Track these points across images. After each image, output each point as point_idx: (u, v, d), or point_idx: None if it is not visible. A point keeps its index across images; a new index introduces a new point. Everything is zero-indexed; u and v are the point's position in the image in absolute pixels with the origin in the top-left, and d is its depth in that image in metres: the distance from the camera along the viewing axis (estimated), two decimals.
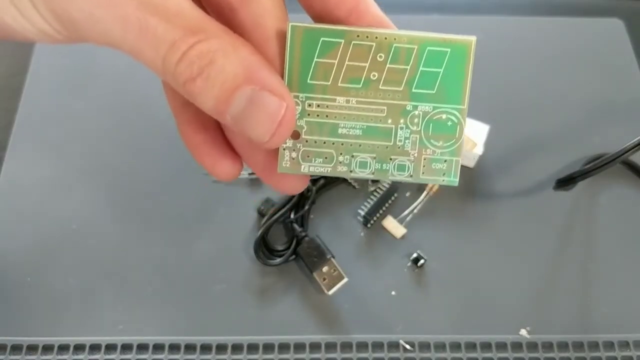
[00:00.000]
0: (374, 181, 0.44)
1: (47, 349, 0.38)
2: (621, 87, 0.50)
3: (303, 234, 0.41)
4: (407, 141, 0.19)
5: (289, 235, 0.42)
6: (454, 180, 0.20)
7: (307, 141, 0.19)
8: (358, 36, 0.19)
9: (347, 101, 0.19)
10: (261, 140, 0.18)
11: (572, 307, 0.40)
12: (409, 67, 0.19)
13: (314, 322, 0.39)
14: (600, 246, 0.43)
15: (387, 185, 0.43)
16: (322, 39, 0.19)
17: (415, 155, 0.20)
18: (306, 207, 0.42)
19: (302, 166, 0.19)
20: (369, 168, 0.20)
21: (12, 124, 0.47)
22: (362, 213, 0.43)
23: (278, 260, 0.40)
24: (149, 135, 0.46)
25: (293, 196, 0.42)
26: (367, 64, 0.19)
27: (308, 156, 0.19)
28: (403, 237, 0.42)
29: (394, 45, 0.19)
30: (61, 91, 0.48)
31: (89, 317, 0.39)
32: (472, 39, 0.19)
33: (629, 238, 0.43)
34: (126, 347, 0.38)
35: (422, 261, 0.41)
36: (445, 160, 0.20)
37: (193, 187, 0.44)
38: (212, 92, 0.17)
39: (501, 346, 0.39)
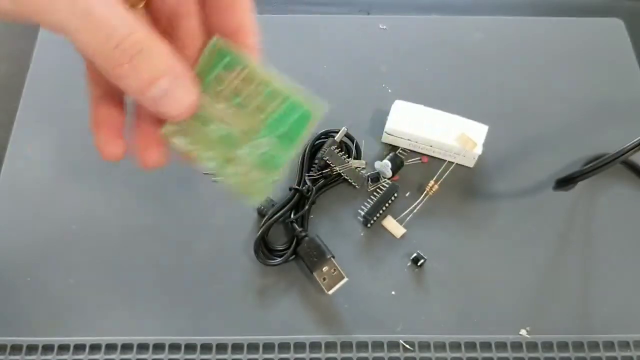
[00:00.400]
0: (374, 181, 0.44)
1: (47, 349, 0.38)
2: (621, 87, 0.50)
3: (303, 234, 0.41)
4: (245, 158, 0.24)
5: (289, 235, 0.42)
6: (260, 200, 0.26)
7: (182, 123, 0.24)
8: (255, 68, 0.24)
9: (222, 108, 0.24)
10: (171, 116, 0.24)
11: (572, 307, 0.40)
12: (273, 108, 0.24)
13: (314, 322, 0.39)
14: (600, 246, 0.43)
15: (387, 185, 0.43)
16: (228, 57, 0.24)
17: (244, 171, 0.25)
18: (306, 207, 0.42)
19: (175, 137, 0.25)
20: (213, 163, 0.25)
21: (12, 124, 0.47)
22: (362, 213, 0.43)
23: (278, 260, 0.40)
24: None
25: (294, 196, 0.42)
26: (249, 88, 0.24)
27: (177, 133, 0.25)
28: (403, 237, 0.43)
29: (270, 88, 0.24)
30: (61, 91, 0.48)
31: (89, 317, 0.39)
32: (321, 108, 0.25)
33: (629, 238, 0.43)
34: (126, 347, 0.38)
35: (422, 261, 0.41)
36: (262, 186, 0.25)
37: (193, 187, 0.44)
38: (138, 76, 0.22)
39: (501, 346, 0.39)
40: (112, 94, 0.27)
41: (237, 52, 0.24)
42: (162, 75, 0.22)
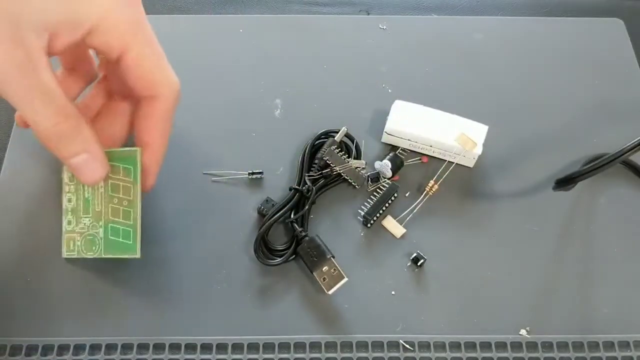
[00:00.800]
0: (374, 181, 0.44)
1: (47, 349, 0.38)
2: (621, 87, 0.50)
3: (303, 233, 0.41)
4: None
5: (289, 235, 0.42)
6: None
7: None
8: (132, 185, 0.37)
9: (104, 191, 0.38)
10: (84, 181, 0.35)
11: (572, 307, 0.40)
12: (119, 218, 0.39)
13: (314, 322, 0.39)
14: (600, 246, 0.43)
15: (387, 185, 0.43)
16: (130, 166, 0.37)
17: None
18: (306, 207, 0.42)
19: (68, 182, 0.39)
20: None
21: (12, 124, 0.47)
22: (362, 213, 0.43)
23: (278, 260, 0.40)
24: None
25: (294, 196, 0.42)
26: (119, 192, 0.38)
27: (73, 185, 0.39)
28: (403, 237, 0.43)
29: (126, 207, 0.39)
30: None
31: (89, 317, 0.39)
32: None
33: (629, 238, 0.43)
34: (126, 347, 0.38)
35: (422, 261, 0.41)
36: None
37: (193, 187, 0.44)
38: (60, 151, 0.32)
39: (501, 346, 0.39)
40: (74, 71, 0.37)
41: (139, 168, 0.36)
42: (75, 154, 0.32)
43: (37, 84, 0.28)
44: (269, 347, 0.38)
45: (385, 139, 0.46)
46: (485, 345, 0.39)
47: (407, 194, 0.44)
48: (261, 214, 0.43)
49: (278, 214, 0.41)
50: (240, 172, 0.44)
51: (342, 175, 0.44)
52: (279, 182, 0.44)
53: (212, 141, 0.46)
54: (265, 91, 0.49)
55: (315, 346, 0.39)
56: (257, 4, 0.55)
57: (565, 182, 0.43)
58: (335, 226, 0.43)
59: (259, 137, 0.47)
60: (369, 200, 0.43)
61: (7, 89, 0.28)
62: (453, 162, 0.44)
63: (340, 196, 0.44)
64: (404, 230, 0.42)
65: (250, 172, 0.44)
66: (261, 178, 0.44)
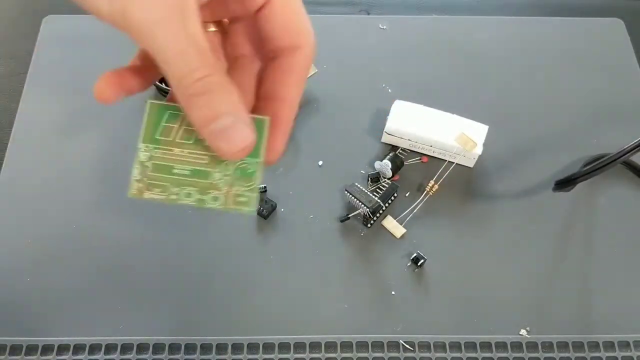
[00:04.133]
0: (374, 181, 0.44)
1: (47, 349, 0.38)
2: (621, 87, 0.50)
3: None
4: (220, 181, 0.27)
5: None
6: (252, 210, 0.27)
7: (151, 176, 0.27)
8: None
9: (181, 151, 0.27)
10: (224, 152, 0.26)
11: (572, 307, 0.40)
12: None
13: (314, 322, 0.39)
14: (600, 246, 0.43)
15: (387, 185, 0.43)
16: (168, 112, 0.27)
17: (225, 190, 0.27)
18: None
19: (145, 193, 0.27)
20: (192, 197, 0.27)
21: (12, 124, 0.47)
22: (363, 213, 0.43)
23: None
24: None
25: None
26: (195, 129, 0.26)
27: (150, 186, 0.27)
28: (403, 237, 0.43)
29: None
30: (61, 91, 0.48)
31: (89, 317, 0.39)
32: (267, 119, 0.27)
33: (629, 238, 0.43)
34: (126, 347, 0.38)
35: (422, 261, 0.41)
36: (247, 196, 0.27)
37: None
38: (204, 110, 0.25)
39: (501, 346, 0.39)
40: (143, 71, 0.29)
41: (172, 105, 0.27)
42: (225, 114, 0.25)
43: (188, 33, 0.25)
44: (269, 347, 0.38)
45: (385, 139, 0.46)
46: (485, 345, 0.39)
47: (407, 194, 0.44)
48: (261, 216, 0.43)
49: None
50: None
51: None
52: (279, 182, 0.44)
53: None
54: None
55: (315, 346, 0.39)
56: None
57: (565, 183, 0.43)
58: (335, 226, 0.43)
59: None
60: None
61: (157, 36, 0.25)
62: (453, 162, 0.44)
63: (340, 196, 0.44)
64: (404, 230, 0.42)
65: None
66: (265, 191, 0.44)
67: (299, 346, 0.39)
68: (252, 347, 0.38)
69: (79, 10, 0.59)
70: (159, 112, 0.28)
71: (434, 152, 0.45)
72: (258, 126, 0.27)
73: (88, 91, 0.49)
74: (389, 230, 0.43)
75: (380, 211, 0.43)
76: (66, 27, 0.52)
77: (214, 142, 0.26)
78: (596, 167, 0.40)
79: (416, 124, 0.44)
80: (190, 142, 0.27)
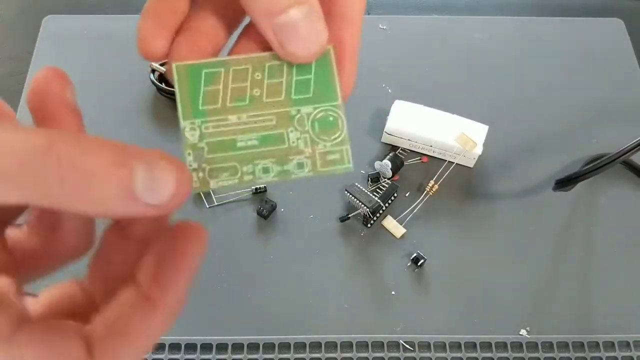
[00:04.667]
0: (374, 181, 0.44)
1: None
2: (621, 87, 0.50)
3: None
4: (299, 141, 0.21)
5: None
6: (348, 166, 0.21)
7: (210, 160, 0.21)
8: (235, 62, 0.21)
9: (239, 117, 0.21)
10: (293, 54, 0.20)
11: (572, 307, 0.40)
12: (284, 80, 0.21)
13: (314, 322, 0.39)
14: (600, 246, 0.43)
15: (387, 185, 0.43)
16: (204, 71, 0.21)
17: (310, 151, 0.21)
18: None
19: (211, 183, 0.21)
20: (272, 172, 0.22)
21: None
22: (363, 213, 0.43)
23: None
24: (149, 136, 0.46)
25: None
26: (248, 84, 0.21)
27: (214, 173, 0.21)
28: (403, 237, 0.43)
29: (267, 64, 0.21)
30: None
31: None
32: (330, 47, 0.21)
33: (629, 238, 0.43)
34: None
35: (422, 261, 0.41)
36: (337, 151, 0.21)
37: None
38: None
39: (501, 346, 0.39)
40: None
41: (205, 62, 0.21)
42: (296, 3, 0.19)
43: None
44: (269, 347, 0.38)
45: (385, 139, 0.46)
46: (485, 345, 0.39)
47: (407, 194, 0.44)
48: (261, 215, 0.43)
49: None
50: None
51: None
52: (279, 182, 0.44)
53: None
54: None
55: (315, 346, 0.39)
56: None
57: (565, 183, 0.43)
58: (335, 226, 0.43)
59: None
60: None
61: None
62: (453, 162, 0.44)
63: (340, 196, 0.44)
64: (404, 230, 0.42)
65: (254, 189, 0.44)
66: (265, 190, 0.44)
67: (299, 346, 0.39)
68: (252, 347, 0.38)
69: (79, 10, 0.60)
70: (192, 75, 0.21)
71: (434, 152, 0.45)
72: (322, 59, 0.21)
73: (88, 91, 0.49)
74: (389, 230, 0.43)
75: (380, 211, 0.43)
76: (66, 27, 0.52)
77: (283, 41, 0.20)
78: (596, 167, 0.40)
79: (416, 124, 0.44)
80: (245, 102, 0.21)
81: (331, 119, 0.22)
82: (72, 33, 0.52)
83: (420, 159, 0.46)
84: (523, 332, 0.39)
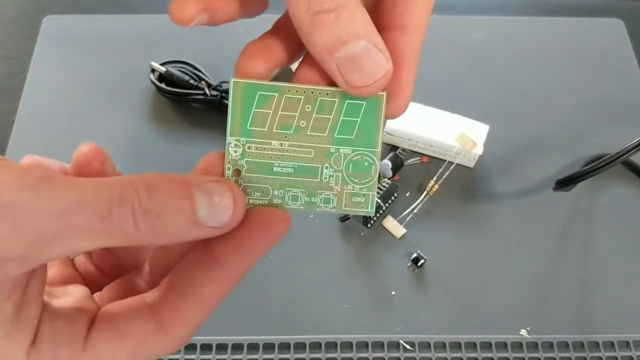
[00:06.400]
0: None
1: None
2: (621, 87, 0.50)
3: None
4: (331, 178, 0.22)
5: None
6: (370, 211, 0.23)
7: (247, 178, 0.22)
8: (289, 91, 0.22)
9: (281, 144, 0.22)
10: (357, 85, 0.21)
11: (572, 307, 0.40)
12: (331, 117, 0.22)
13: (314, 322, 0.39)
14: (600, 246, 0.43)
15: (387, 185, 0.43)
16: (258, 92, 0.22)
17: (338, 190, 0.23)
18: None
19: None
20: (300, 200, 0.23)
21: (12, 124, 0.47)
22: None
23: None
24: (149, 135, 0.46)
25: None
26: (297, 114, 0.22)
27: (247, 190, 0.22)
28: (403, 237, 0.43)
29: (319, 98, 0.22)
30: (61, 91, 0.48)
31: None
32: (383, 94, 0.22)
33: (629, 238, 0.43)
34: None
35: (422, 261, 0.41)
36: (364, 195, 0.23)
37: None
38: (336, 28, 0.20)
39: (501, 346, 0.39)
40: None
41: (262, 84, 0.22)
42: (357, 37, 0.20)
43: None
44: (269, 347, 0.38)
45: (385, 138, 0.46)
46: (485, 345, 0.39)
47: (407, 194, 0.44)
48: None
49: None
50: None
51: None
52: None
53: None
54: None
55: (315, 346, 0.39)
56: None
57: (565, 183, 0.43)
58: (335, 226, 0.43)
59: None
60: None
61: None
62: (453, 162, 0.44)
63: None
64: (404, 231, 0.42)
65: None
66: None
67: (299, 346, 0.39)
68: (252, 347, 0.38)
69: (79, 10, 0.60)
70: (246, 94, 0.22)
71: (434, 152, 0.45)
72: (373, 103, 0.22)
73: (88, 91, 0.49)
74: (389, 230, 0.43)
75: (380, 211, 0.43)
76: (66, 27, 0.52)
77: (344, 72, 0.21)
78: (596, 167, 0.40)
79: (416, 124, 0.44)
80: (290, 131, 0.22)
81: (366, 164, 0.23)
82: (72, 33, 0.52)
83: (420, 159, 0.46)
84: (523, 332, 0.39)
